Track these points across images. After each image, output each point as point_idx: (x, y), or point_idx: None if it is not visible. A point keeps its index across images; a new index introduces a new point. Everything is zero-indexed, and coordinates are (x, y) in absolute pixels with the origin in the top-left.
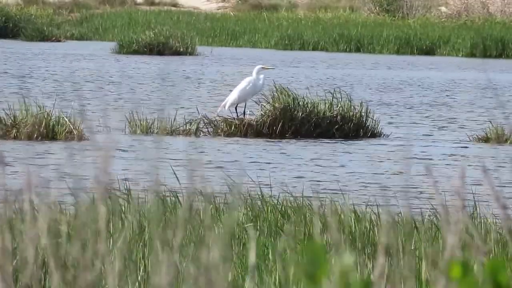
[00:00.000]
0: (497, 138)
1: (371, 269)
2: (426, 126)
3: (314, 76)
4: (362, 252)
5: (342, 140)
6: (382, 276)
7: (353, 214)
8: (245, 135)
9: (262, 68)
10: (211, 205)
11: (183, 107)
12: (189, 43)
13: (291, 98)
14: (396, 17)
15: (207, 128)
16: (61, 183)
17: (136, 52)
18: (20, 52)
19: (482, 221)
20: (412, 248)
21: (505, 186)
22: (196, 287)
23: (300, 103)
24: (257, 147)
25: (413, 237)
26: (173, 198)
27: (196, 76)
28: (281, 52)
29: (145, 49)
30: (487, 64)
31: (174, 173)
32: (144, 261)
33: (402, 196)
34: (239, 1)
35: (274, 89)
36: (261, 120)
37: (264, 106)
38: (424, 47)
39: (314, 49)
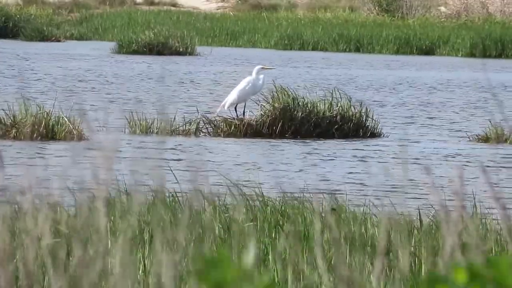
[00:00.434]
0: (497, 138)
1: (370, 270)
2: (426, 126)
3: (314, 76)
4: (362, 252)
5: (342, 140)
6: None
7: (352, 214)
8: (244, 135)
9: (262, 68)
10: (211, 205)
11: (183, 107)
12: (188, 43)
13: (291, 98)
14: (396, 17)
15: (206, 128)
16: (61, 183)
17: (135, 52)
18: (19, 52)
19: (482, 221)
20: (412, 248)
21: (504, 186)
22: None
23: (299, 103)
24: (256, 147)
25: (413, 237)
26: (173, 198)
27: (196, 76)
28: (281, 52)
29: (145, 49)
30: (486, 64)
31: (174, 174)
32: (144, 261)
33: (402, 196)
34: (239, 1)
35: (274, 89)
36: (260, 120)
37: (264, 106)
38: (424, 47)
39: (313, 49)
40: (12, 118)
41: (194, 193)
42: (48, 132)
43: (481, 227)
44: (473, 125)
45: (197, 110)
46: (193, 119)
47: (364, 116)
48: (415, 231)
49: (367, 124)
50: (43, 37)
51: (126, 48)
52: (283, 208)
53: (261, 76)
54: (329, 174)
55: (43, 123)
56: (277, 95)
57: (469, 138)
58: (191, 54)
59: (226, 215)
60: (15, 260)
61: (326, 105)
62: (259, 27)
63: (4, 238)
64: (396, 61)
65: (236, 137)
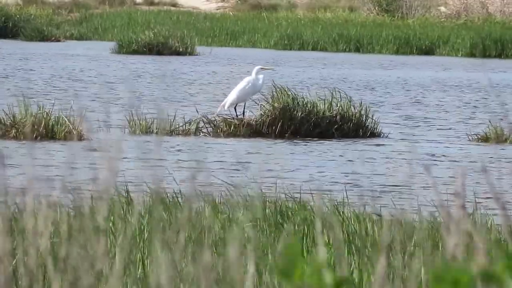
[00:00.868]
0: (497, 138)
1: (370, 270)
2: (426, 126)
3: (313, 76)
4: (363, 252)
5: (342, 140)
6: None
7: (353, 214)
8: (244, 135)
9: (262, 68)
10: (211, 205)
11: (183, 107)
12: (188, 43)
13: (291, 98)
14: (396, 17)
15: (206, 128)
16: (61, 183)
17: (135, 52)
18: (19, 52)
19: (482, 221)
20: (412, 248)
21: (504, 186)
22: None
23: (299, 103)
24: (256, 147)
25: (413, 237)
26: (173, 198)
27: (196, 76)
28: (281, 52)
29: (145, 49)
30: (486, 64)
31: (173, 174)
32: (143, 261)
33: (402, 196)
34: (239, 1)
35: (274, 88)
36: (260, 120)
37: (264, 106)
38: (424, 47)
39: (313, 49)
40: (11, 118)
41: (193, 193)
42: (48, 132)
43: (481, 227)
44: (473, 125)
45: (197, 110)
46: (193, 119)
47: (364, 116)
48: (415, 231)
49: (367, 124)
50: (43, 37)
51: (126, 48)
52: (283, 208)
53: (261, 76)
54: (329, 173)
55: (43, 123)
56: (277, 95)
57: (469, 138)
58: (191, 54)
59: (226, 215)
60: (14, 261)
61: (326, 105)
62: (259, 27)
63: (4, 238)
64: (396, 61)
65: (236, 137)
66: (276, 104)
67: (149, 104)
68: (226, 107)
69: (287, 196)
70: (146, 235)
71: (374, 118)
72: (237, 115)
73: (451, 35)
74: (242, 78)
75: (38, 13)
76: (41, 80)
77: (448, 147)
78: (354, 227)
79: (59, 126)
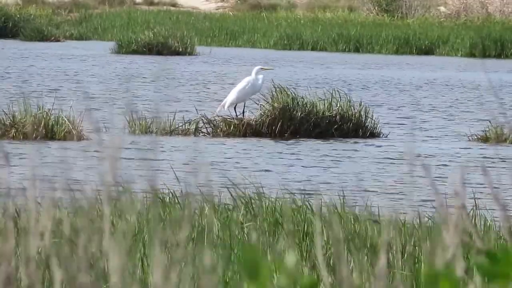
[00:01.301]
0: (497, 138)
1: (370, 269)
2: (426, 126)
3: (313, 76)
4: (362, 252)
5: (341, 140)
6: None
7: (352, 214)
8: (244, 135)
9: (261, 69)
10: (210, 205)
11: (182, 107)
12: (188, 43)
13: (290, 98)
14: (395, 17)
15: (206, 128)
16: (61, 183)
17: (135, 52)
18: (19, 52)
19: (482, 221)
20: (412, 248)
21: (504, 186)
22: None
23: (299, 103)
24: (256, 147)
25: (413, 237)
26: (172, 198)
27: (195, 76)
28: (280, 52)
29: (144, 49)
30: (486, 64)
31: (173, 173)
32: (142, 261)
33: (402, 196)
34: (238, 1)
35: (273, 88)
36: (260, 120)
37: (263, 106)
38: (423, 47)
39: (313, 49)
40: (11, 118)
41: (193, 193)
42: (48, 132)
43: (481, 227)
44: (473, 125)
45: (197, 110)
46: (193, 119)
47: (364, 116)
48: (415, 231)
49: (367, 124)
50: (43, 37)
51: (125, 48)
52: (283, 208)
53: (260, 76)
54: (328, 173)
55: (43, 123)
56: (277, 95)
57: (469, 138)
58: (190, 54)
59: (226, 215)
60: (13, 262)
61: (326, 105)
62: (258, 27)
63: (4, 238)
64: (395, 61)
65: (235, 137)
66: (275, 104)
67: (149, 104)
68: (225, 107)
69: (286, 196)
70: (145, 235)
71: (373, 118)
72: (236, 115)
73: (451, 35)
74: (241, 78)
75: (37, 13)
76: (41, 80)
77: (448, 147)
78: (354, 227)
79: (58, 126)
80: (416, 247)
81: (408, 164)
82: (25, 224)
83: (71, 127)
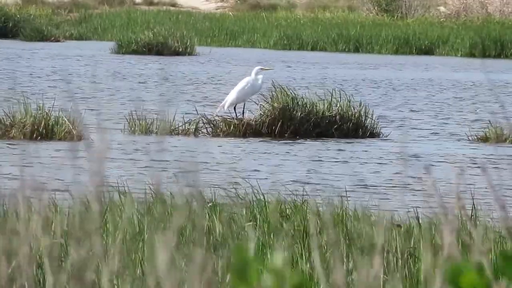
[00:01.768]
0: (496, 138)
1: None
2: (425, 126)
3: (313, 76)
4: (361, 252)
5: (341, 140)
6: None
7: (352, 214)
8: (244, 135)
9: (261, 69)
10: (210, 205)
11: (182, 107)
12: (188, 43)
13: (290, 98)
14: (395, 17)
15: (206, 128)
16: (60, 183)
17: (135, 52)
18: (19, 52)
19: (481, 221)
20: (411, 248)
21: (504, 186)
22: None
23: (299, 103)
24: (256, 147)
25: (412, 237)
26: (172, 198)
27: (195, 76)
28: (280, 52)
29: (144, 49)
30: (486, 64)
31: (173, 173)
32: (141, 261)
33: (402, 195)
34: (238, 1)
35: (273, 88)
36: (260, 120)
37: (263, 106)
38: (423, 47)
39: (313, 49)
40: (11, 118)
41: (193, 193)
42: (48, 132)
43: (480, 227)
44: (472, 125)
45: (197, 110)
46: (193, 119)
47: (364, 116)
48: (415, 231)
49: (367, 124)
50: (43, 37)
51: (125, 48)
52: (282, 208)
53: (260, 77)
54: (328, 173)
55: (43, 123)
56: (276, 95)
57: (469, 138)
58: (190, 54)
59: (226, 214)
60: (12, 263)
61: (326, 105)
62: (258, 27)
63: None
64: (395, 61)
65: (235, 137)
66: (275, 104)
67: (149, 104)
68: (225, 107)
69: (286, 196)
70: (145, 235)
71: (373, 118)
72: (236, 115)
73: (451, 35)
74: (241, 78)
75: (37, 13)
76: (41, 80)
77: (448, 147)
78: (354, 227)
79: (58, 126)
80: (416, 247)
81: (408, 163)
82: (15, 225)
83: (71, 127)
